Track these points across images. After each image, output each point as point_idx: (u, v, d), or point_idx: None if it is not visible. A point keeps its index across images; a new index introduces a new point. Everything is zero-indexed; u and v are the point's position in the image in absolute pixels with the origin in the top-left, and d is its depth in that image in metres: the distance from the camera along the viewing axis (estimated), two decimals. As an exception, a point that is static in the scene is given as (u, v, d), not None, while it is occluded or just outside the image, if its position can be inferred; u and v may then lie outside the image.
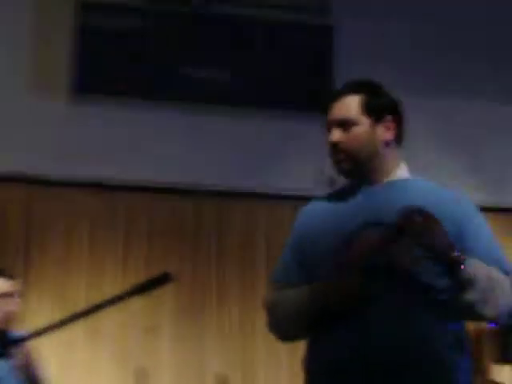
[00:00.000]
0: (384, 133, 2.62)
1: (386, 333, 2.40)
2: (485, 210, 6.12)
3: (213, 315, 5.84)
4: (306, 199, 6.28)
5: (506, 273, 2.50)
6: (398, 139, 2.66)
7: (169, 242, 5.95)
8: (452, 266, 2.39)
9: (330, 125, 2.63)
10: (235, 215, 6.08)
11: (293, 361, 5.86)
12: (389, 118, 2.63)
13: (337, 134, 2.60)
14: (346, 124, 2.60)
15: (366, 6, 6.44)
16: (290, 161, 6.13)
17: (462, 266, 2.38)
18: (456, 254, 2.39)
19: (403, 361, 2.39)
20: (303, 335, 2.64)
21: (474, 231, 2.55)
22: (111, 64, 5.98)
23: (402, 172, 2.66)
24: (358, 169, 2.61)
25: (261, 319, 5.78)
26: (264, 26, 6.24)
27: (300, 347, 5.91)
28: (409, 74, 6.31)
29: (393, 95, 2.71)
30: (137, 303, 5.39)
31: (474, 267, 2.40)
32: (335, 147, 2.61)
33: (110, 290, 5.64)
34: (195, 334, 5.78)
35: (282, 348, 5.85)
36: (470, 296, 2.39)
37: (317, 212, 2.67)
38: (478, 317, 2.44)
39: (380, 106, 2.64)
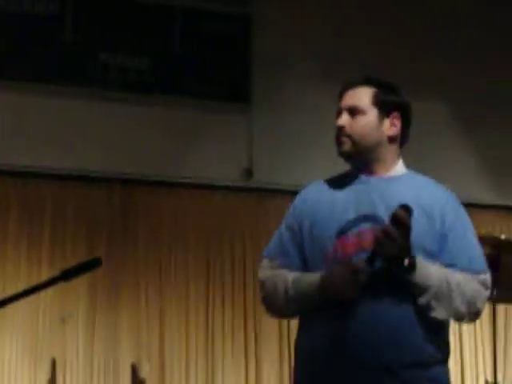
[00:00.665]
0: (389, 127, 2.74)
1: (364, 325, 2.50)
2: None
3: (128, 304, 5.78)
4: (220, 188, 6.30)
5: (477, 272, 2.62)
6: (402, 138, 2.78)
7: (81, 229, 5.86)
8: (402, 273, 2.50)
9: (341, 110, 2.75)
10: (147, 201, 6.01)
11: (207, 350, 5.88)
12: (396, 114, 2.75)
13: (344, 119, 2.72)
14: (354, 111, 2.72)
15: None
16: (206, 150, 6.11)
17: (411, 275, 2.49)
18: (406, 261, 2.49)
19: (379, 355, 2.48)
20: (291, 317, 2.85)
21: (456, 233, 2.65)
22: (27, 49, 5.85)
23: (399, 168, 2.78)
24: (357, 155, 2.71)
25: (176, 308, 5.84)
26: (182, 15, 6.20)
27: (216, 339, 5.92)
28: (327, 65, 6.36)
29: (405, 97, 2.85)
30: (49, 292, 5.32)
31: (428, 273, 2.51)
32: (340, 130, 2.71)
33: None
34: (110, 324, 5.71)
35: (198, 337, 5.87)
36: (422, 300, 2.51)
37: (316, 195, 2.75)
38: (433, 318, 2.54)
39: (389, 101, 2.76)
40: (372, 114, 2.72)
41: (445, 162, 6.63)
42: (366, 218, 2.59)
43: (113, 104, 5.98)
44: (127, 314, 5.76)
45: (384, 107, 2.73)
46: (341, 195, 2.69)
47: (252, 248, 5.96)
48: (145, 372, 5.67)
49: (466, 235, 2.69)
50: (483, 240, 3.40)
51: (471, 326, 6.38)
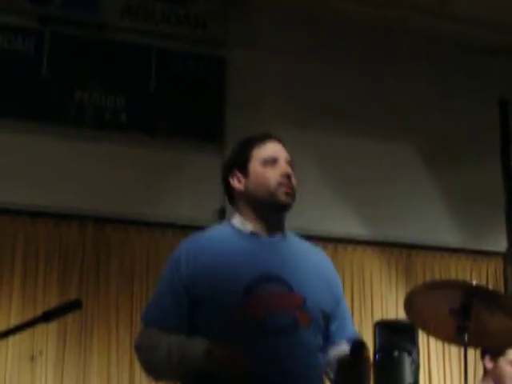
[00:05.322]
0: None
1: None
2: (372, 244, 6.26)
3: (99, 343, 5.74)
4: (193, 228, 6.30)
5: None
6: None
7: (53, 266, 5.82)
8: None
9: (277, 159, 2.71)
10: (120, 239, 6.01)
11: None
12: None
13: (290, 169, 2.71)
14: (291, 165, 2.72)
15: (258, 40, 6.56)
16: (179, 189, 6.14)
17: None
18: None
19: None
20: (173, 381, 2.68)
21: (343, 303, 2.80)
22: (2, 85, 5.88)
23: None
24: (288, 210, 2.72)
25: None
26: (158, 56, 6.26)
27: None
28: (300, 107, 6.45)
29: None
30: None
31: None
32: (290, 180, 2.69)
33: None
34: (80, 363, 5.67)
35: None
36: None
37: (206, 253, 2.63)
38: None
39: None
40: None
41: (414, 205, 6.70)
42: (271, 278, 2.57)
43: (87, 142, 6.00)
44: (97, 352, 5.72)
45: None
46: (240, 254, 2.63)
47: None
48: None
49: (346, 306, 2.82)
50: (455, 285, 3.44)
51: (442, 370, 6.45)
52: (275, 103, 6.40)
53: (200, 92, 6.33)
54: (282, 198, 2.66)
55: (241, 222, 2.70)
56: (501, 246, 6.96)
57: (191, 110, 6.27)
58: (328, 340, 2.66)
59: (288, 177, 2.67)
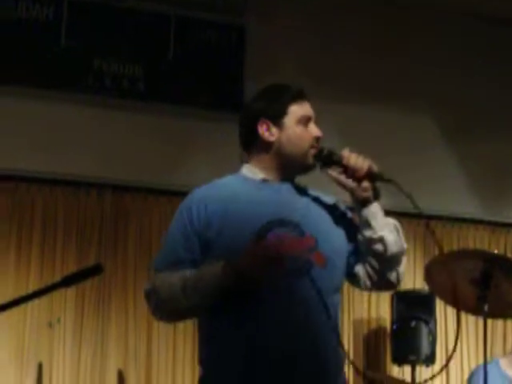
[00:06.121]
0: None
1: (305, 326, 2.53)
2: (390, 214, 6.24)
3: (117, 310, 5.77)
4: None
5: None
6: None
7: (71, 234, 5.83)
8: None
9: (310, 118, 2.77)
10: (138, 207, 6.00)
11: (195, 358, 5.84)
12: None
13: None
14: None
15: (277, 8, 6.51)
16: (198, 157, 6.13)
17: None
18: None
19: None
20: (191, 317, 2.74)
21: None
22: (21, 54, 5.85)
23: None
24: None
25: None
26: (177, 23, 6.23)
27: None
28: (317, 76, 6.40)
29: None
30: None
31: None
32: (318, 141, 2.74)
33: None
34: (98, 330, 5.70)
35: (186, 345, 5.84)
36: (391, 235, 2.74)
37: (216, 200, 2.65)
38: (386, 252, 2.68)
39: None
40: None
41: (433, 176, 6.66)
42: (282, 222, 2.59)
43: (105, 110, 5.99)
44: (115, 319, 5.74)
45: None
46: (250, 200, 2.65)
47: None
48: (131, 378, 5.66)
49: None
50: (476, 254, 3.43)
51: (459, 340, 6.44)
52: (294, 73, 6.36)
53: (219, 61, 6.30)
54: (311, 160, 2.71)
55: (251, 171, 2.74)
56: (520, 217, 6.94)
57: (210, 79, 6.24)
58: (354, 270, 2.71)
59: (317, 139, 2.73)
